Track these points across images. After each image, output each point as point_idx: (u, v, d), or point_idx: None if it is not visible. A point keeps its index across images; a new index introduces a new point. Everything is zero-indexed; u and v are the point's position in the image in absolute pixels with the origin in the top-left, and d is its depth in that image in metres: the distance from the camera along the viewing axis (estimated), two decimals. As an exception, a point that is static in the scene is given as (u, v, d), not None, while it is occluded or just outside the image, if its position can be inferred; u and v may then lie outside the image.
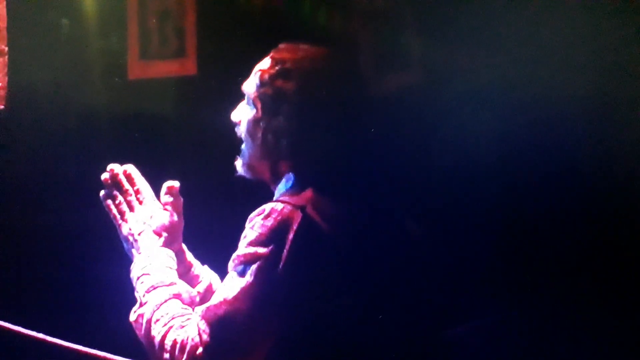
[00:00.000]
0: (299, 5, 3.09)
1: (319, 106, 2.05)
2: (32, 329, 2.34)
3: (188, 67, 3.33)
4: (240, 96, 2.23)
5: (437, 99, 2.80)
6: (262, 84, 2.09)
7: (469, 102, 2.75)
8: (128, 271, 2.17)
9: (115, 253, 2.30)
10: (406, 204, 2.19)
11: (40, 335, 2.37)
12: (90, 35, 3.32)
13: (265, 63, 2.12)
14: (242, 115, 2.16)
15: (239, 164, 2.19)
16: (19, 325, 2.38)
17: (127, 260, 2.21)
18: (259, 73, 2.11)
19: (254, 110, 2.11)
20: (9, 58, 2.61)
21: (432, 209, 2.59)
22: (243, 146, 2.17)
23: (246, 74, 2.21)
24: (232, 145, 2.26)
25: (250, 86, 2.13)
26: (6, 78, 2.60)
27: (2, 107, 2.59)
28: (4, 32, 2.60)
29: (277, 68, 2.08)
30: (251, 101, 2.12)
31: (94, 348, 2.33)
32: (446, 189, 2.73)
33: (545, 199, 2.70)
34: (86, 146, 3.24)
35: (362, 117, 2.10)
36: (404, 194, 2.26)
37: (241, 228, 2.02)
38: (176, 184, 2.23)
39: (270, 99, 2.07)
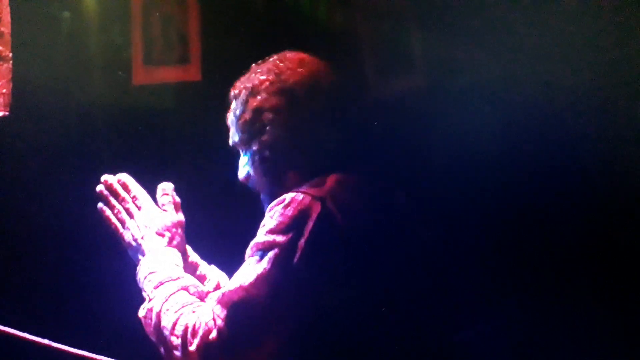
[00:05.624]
0: (301, 11, 3.10)
1: (304, 111, 2.10)
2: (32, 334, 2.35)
3: (192, 73, 3.34)
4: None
5: (439, 94, 2.81)
6: (237, 117, 2.15)
7: (472, 99, 2.76)
8: (132, 272, 2.18)
9: (118, 254, 2.31)
10: (423, 200, 2.20)
11: (45, 341, 2.38)
12: (95, 41, 3.33)
13: (231, 106, 2.18)
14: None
15: (242, 174, 2.20)
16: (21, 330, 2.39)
17: (130, 262, 2.22)
18: (230, 115, 2.18)
19: (253, 145, 2.13)
20: (13, 64, 2.61)
21: (447, 205, 2.59)
22: (242, 159, 2.19)
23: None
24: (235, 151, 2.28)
25: (233, 134, 2.18)
26: (10, 84, 2.60)
27: (7, 113, 2.59)
28: (8, 38, 2.60)
29: (241, 95, 2.15)
30: (241, 137, 2.15)
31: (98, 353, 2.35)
32: (459, 186, 2.74)
33: (562, 198, 2.71)
34: (90, 152, 3.25)
35: (355, 116, 2.13)
36: (421, 189, 2.27)
37: (245, 229, 2.03)
38: (169, 184, 2.25)
39: (250, 124, 2.11)
